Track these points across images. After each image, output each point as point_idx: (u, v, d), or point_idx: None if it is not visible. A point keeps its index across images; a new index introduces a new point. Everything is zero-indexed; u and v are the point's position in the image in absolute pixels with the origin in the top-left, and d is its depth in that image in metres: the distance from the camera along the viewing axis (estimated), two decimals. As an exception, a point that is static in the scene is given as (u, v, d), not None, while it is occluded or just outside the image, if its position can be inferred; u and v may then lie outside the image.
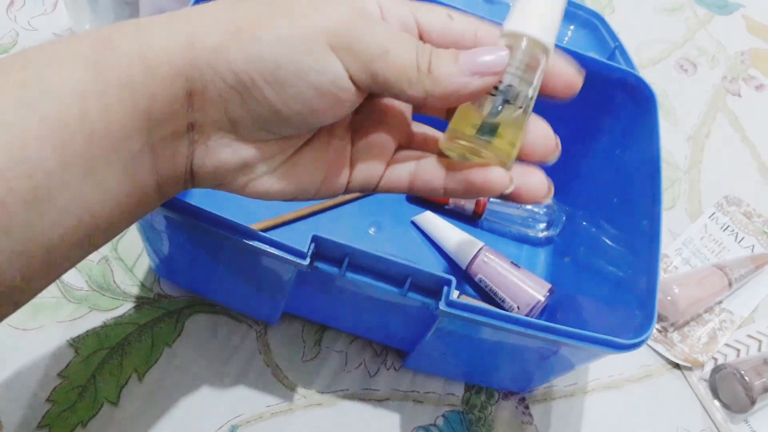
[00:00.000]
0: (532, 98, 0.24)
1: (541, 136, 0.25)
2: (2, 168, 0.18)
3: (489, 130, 0.24)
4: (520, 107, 0.24)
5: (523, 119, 0.24)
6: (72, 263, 0.22)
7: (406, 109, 0.29)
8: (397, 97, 0.23)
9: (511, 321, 0.30)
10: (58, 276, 0.22)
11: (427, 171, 0.27)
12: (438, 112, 0.28)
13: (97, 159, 0.20)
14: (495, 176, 0.25)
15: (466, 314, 0.30)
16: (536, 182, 0.26)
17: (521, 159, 0.26)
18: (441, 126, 0.28)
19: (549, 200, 0.27)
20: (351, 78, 0.22)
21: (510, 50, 0.24)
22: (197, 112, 0.22)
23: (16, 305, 0.21)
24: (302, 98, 0.22)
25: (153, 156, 0.22)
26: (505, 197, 0.26)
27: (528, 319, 0.30)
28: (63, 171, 0.19)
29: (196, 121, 0.23)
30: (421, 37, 0.25)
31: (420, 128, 0.29)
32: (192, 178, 0.24)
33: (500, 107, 0.24)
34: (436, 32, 0.25)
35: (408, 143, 0.29)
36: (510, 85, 0.24)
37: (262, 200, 0.26)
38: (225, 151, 0.24)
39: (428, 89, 0.23)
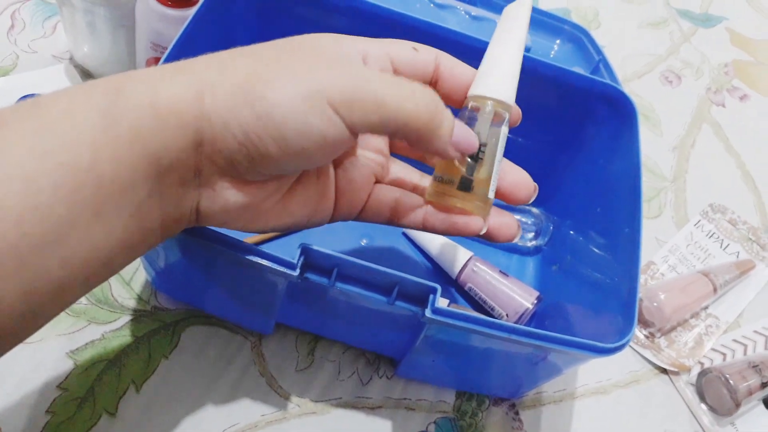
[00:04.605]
0: (500, 152, 0.29)
1: (522, 181, 0.30)
2: (17, 214, 0.19)
3: (467, 184, 0.29)
4: (491, 162, 0.29)
5: (495, 171, 0.29)
6: (75, 298, 0.23)
7: (383, 143, 0.32)
8: (392, 134, 0.25)
9: (495, 327, 0.31)
10: (61, 310, 0.23)
11: (409, 205, 0.31)
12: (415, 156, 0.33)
13: (105, 204, 0.21)
14: (473, 221, 0.30)
15: (451, 321, 0.31)
16: (507, 223, 0.31)
17: (502, 200, 0.31)
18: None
19: (531, 200, 0.31)
20: (350, 130, 0.24)
21: (477, 111, 0.29)
22: (205, 160, 0.24)
23: (21, 339, 0.22)
24: (303, 152, 0.24)
25: (160, 200, 0.23)
26: (480, 236, 0.30)
27: (511, 324, 0.31)
28: (73, 216, 0.20)
29: (203, 168, 0.24)
30: (395, 71, 0.28)
31: (396, 163, 0.33)
32: (197, 218, 0.26)
33: (475, 165, 0.29)
34: (406, 65, 0.28)
35: (385, 175, 0.32)
36: (483, 144, 0.29)
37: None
38: (231, 194, 0.25)
39: (424, 133, 0.25)
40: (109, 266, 0.23)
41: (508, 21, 0.30)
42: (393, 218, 0.31)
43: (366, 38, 0.28)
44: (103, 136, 0.21)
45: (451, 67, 0.29)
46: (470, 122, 0.29)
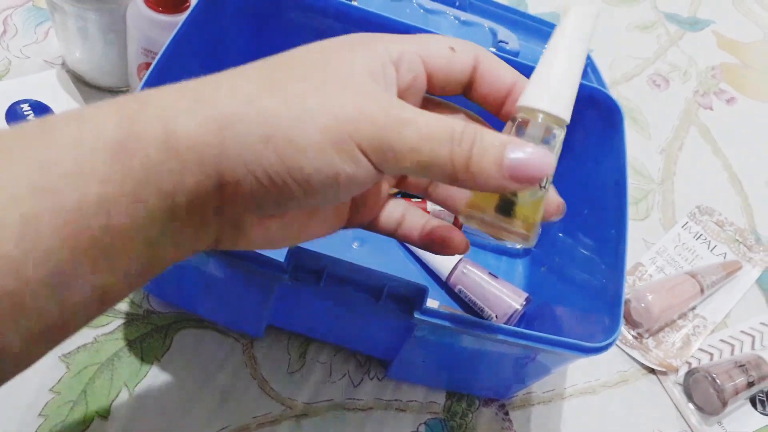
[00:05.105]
0: (551, 175, 0.24)
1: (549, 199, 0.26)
2: (14, 259, 0.18)
3: (507, 208, 0.24)
4: (541, 186, 0.24)
5: (543, 196, 0.25)
6: (75, 332, 0.22)
7: None
8: (428, 178, 0.24)
9: (482, 327, 0.32)
10: (59, 343, 0.22)
11: (409, 224, 0.30)
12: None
13: (113, 245, 0.20)
14: (458, 241, 0.29)
15: (439, 321, 0.31)
16: None
17: None
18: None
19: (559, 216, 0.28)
20: (377, 170, 0.23)
21: (526, 125, 0.24)
22: (227, 200, 0.22)
23: (18, 371, 0.21)
24: (330, 193, 0.23)
25: (174, 237, 0.22)
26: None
27: (498, 325, 0.32)
28: (76, 258, 0.19)
29: (225, 206, 0.22)
30: (429, 75, 0.26)
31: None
32: (215, 246, 0.25)
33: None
34: (441, 68, 0.26)
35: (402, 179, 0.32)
36: None
37: None
38: (253, 228, 0.24)
39: (461, 180, 0.23)
40: (114, 300, 0.22)
41: (570, 26, 0.25)
42: (395, 233, 0.31)
43: (399, 37, 0.25)
44: (113, 173, 0.20)
45: (491, 68, 0.26)
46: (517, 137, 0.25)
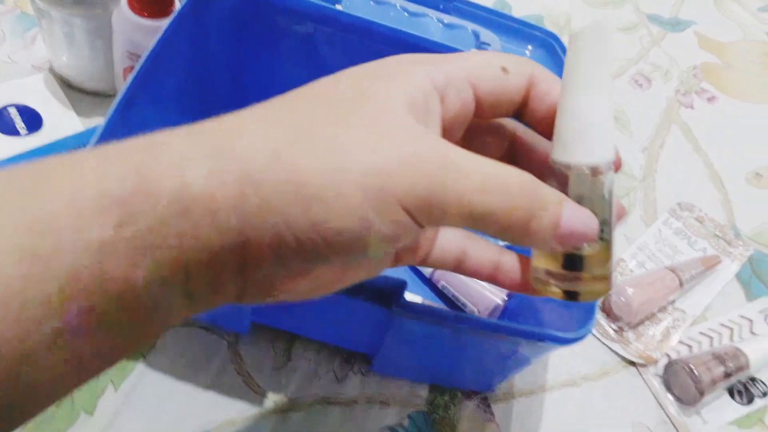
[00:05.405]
0: (610, 219, 0.22)
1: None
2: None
3: (574, 263, 0.22)
4: (601, 235, 0.22)
5: (609, 242, 0.22)
6: (80, 386, 0.20)
7: None
8: (474, 229, 0.21)
9: (457, 319, 0.32)
10: (61, 399, 0.20)
11: (476, 260, 0.26)
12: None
13: (112, 314, 0.18)
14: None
15: (416, 314, 0.32)
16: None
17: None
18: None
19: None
20: (419, 226, 0.20)
21: (569, 179, 0.22)
22: (249, 260, 0.20)
23: (19, 425, 0.19)
24: (363, 253, 0.20)
25: (188, 301, 0.20)
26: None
27: (475, 317, 0.33)
28: (75, 318, 0.17)
29: (246, 267, 0.20)
30: (478, 102, 0.23)
31: None
32: (236, 302, 0.22)
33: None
34: (491, 92, 0.23)
35: None
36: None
37: None
38: (278, 286, 0.21)
39: (513, 236, 0.20)
40: (122, 355, 0.20)
41: (581, 51, 0.22)
42: (458, 269, 0.27)
43: (443, 58, 0.22)
44: (114, 236, 0.17)
45: (549, 90, 0.23)
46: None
